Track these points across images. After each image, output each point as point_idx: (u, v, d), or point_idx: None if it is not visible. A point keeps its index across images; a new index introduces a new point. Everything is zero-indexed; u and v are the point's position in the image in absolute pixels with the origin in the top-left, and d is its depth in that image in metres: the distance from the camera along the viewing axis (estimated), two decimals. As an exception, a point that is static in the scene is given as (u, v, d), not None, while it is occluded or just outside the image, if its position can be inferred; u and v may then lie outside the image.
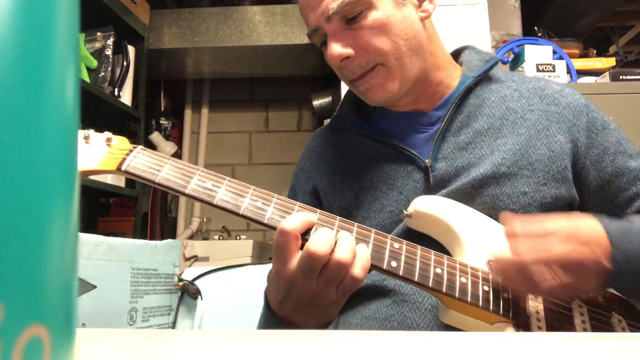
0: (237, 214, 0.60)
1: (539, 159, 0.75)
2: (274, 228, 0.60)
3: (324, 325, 0.65)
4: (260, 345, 0.37)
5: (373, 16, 0.72)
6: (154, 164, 0.62)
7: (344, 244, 0.58)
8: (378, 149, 0.80)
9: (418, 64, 0.76)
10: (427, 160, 0.75)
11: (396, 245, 0.62)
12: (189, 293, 1.50)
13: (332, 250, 0.57)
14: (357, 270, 0.58)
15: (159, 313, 1.41)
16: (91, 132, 0.64)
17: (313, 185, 0.85)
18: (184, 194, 0.60)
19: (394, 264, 0.60)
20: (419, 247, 0.63)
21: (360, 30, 0.73)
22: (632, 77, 1.88)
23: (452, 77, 0.82)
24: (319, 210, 0.62)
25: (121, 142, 0.65)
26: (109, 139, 0.64)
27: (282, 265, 0.59)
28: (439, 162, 0.76)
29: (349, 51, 0.73)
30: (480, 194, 0.73)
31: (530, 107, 0.79)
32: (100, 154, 0.63)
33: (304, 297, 0.60)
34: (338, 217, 0.63)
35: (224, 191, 0.61)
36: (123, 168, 0.61)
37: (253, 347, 0.37)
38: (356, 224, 0.63)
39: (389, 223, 0.75)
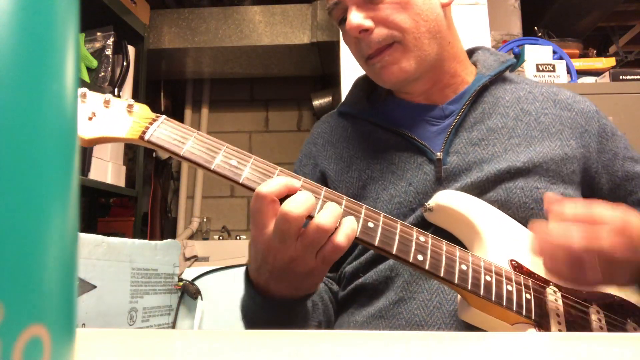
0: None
1: (552, 159, 0.76)
2: None
3: (302, 298, 0.63)
4: (260, 345, 0.37)
5: None
6: (179, 135, 0.59)
7: (326, 209, 0.56)
8: (388, 138, 0.80)
9: (436, 48, 0.76)
10: (438, 153, 0.75)
11: (422, 238, 0.61)
12: (189, 293, 1.50)
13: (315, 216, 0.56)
14: (340, 237, 0.56)
15: (159, 313, 1.41)
16: (111, 97, 0.60)
17: (321, 172, 0.84)
18: (209, 169, 0.58)
19: (420, 257, 0.59)
20: (444, 241, 0.62)
21: (381, 4, 0.73)
22: (632, 77, 1.88)
23: (467, 73, 0.82)
24: (324, 188, 0.60)
25: (143, 110, 0.61)
26: (130, 106, 0.60)
27: (259, 231, 0.57)
28: (451, 156, 0.76)
29: (368, 23, 0.73)
30: (493, 187, 0.73)
31: (544, 110, 0.80)
32: (121, 120, 0.59)
33: (280, 263, 0.58)
34: (345, 197, 0.60)
35: (250, 170, 0.59)
36: (146, 137, 0.58)
37: (253, 347, 0.37)
38: (382, 214, 0.61)
39: (397, 214, 0.74)
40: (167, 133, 0.59)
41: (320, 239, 0.56)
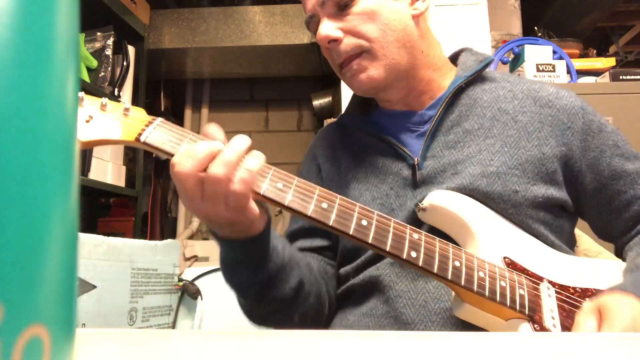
0: (257, 194, 0.59)
1: (529, 160, 0.75)
2: (297, 212, 0.59)
3: (252, 238, 0.62)
4: (260, 345, 0.37)
5: (364, 3, 0.76)
6: (174, 137, 0.60)
7: (218, 159, 0.56)
8: (374, 144, 0.83)
9: (406, 57, 0.78)
10: (416, 159, 0.77)
11: (415, 235, 0.62)
12: (189, 293, 1.50)
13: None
14: (235, 184, 0.56)
15: (159, 313, 1.41)
16: (108, 101, 0.62)
17: (318, 166, 0.89)
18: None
19: (413, 254, 0.61)
20: (437, 239, 0.64)
21: (350, 15, 0.77)
22: (632, 77, 1.88)
23: (445, 78, 0.84)
24: (318, 187, 0.62)
25: (139, 113, 0.63)
26: (126, 109, 0.62)
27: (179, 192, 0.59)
28: (427, 161, 0.78)
29: (337, 33, 0.77)
30: (471, 194, 0.73)
31: (522, 108, 0.80)
32: (118, 123, 0.61)
33: (204, 218, 0.59)
34: (339, 197, 0.62)
35: None
36: (142, 139, 0.59)
37: (253, 347, 0.37)
38: (376, 212, 0.62)
39: None
40: (162, 135, 0.60)
41: (218, 189, 0.56)
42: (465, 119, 0.79)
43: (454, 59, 0.89)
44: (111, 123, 0.61)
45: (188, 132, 0.61)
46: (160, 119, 0.62)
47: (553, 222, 0.75)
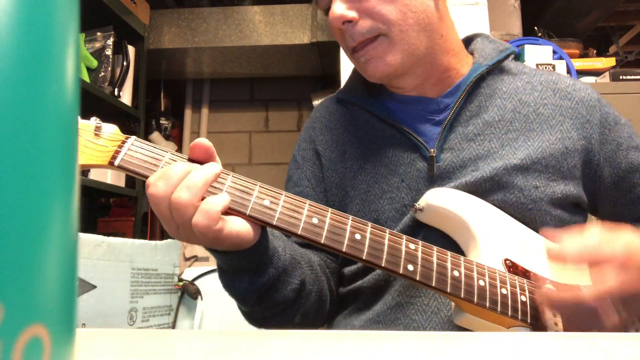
0: (243, 214, 0.56)
1: (552, 154, 0.73)
2: (286, 231, 0.56)
3: (247, 249, 0.58)
4: (260, 345, 0.37)
5: None
6: (151, 157, 0.56)
7: (183, 182, 0.52)
8: (384, 130, 0.77)
9: (425, 41, 0.73)
10: (432, 150, 0.73)
11: (412, 246, 0.59)
12: (189, 293, 1.50)
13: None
14: (197, 216, 0.51)
15: (159, 313, 1.41)
16: (77, 119, 0.59)
17: (316, 152, 0.82)
18: None
19: (410, 267, 0.58)
20: (435, 247, 0.61)
21: None
22: (632, 77, 1.88)
23: (463, 64, 0.79)
24: (308, 202, 0.58)
25: (112, 132, 0.58)
26: (98, 127, 0.57)
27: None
28: (445, 153, 0.73)
29: (352, 14, 0.70)
30: (490, 187, 0.70)
31: (543, 100, 0.77)
32: (89, 145, 0.56)
33: (185, 241, 0.56)
34: (330, 210, 0.59)
35: (229, 188, 0.56)
36: (116, 163, 0.55)
37: (253, 347, 0.37)
38: (370, 223, 0.59)
39: (389, 209, 0.73)
40: (138, 155, 0.56)
41: (183, 216, 0.52)
42: (484, 110, 0.75)
43: (466, 43, 0.84)
44: (81, 145, 0.56)
45: (164, 150, 0.57)
46: (133, 138, 0.58)
47: (569, 219, 0.74)
